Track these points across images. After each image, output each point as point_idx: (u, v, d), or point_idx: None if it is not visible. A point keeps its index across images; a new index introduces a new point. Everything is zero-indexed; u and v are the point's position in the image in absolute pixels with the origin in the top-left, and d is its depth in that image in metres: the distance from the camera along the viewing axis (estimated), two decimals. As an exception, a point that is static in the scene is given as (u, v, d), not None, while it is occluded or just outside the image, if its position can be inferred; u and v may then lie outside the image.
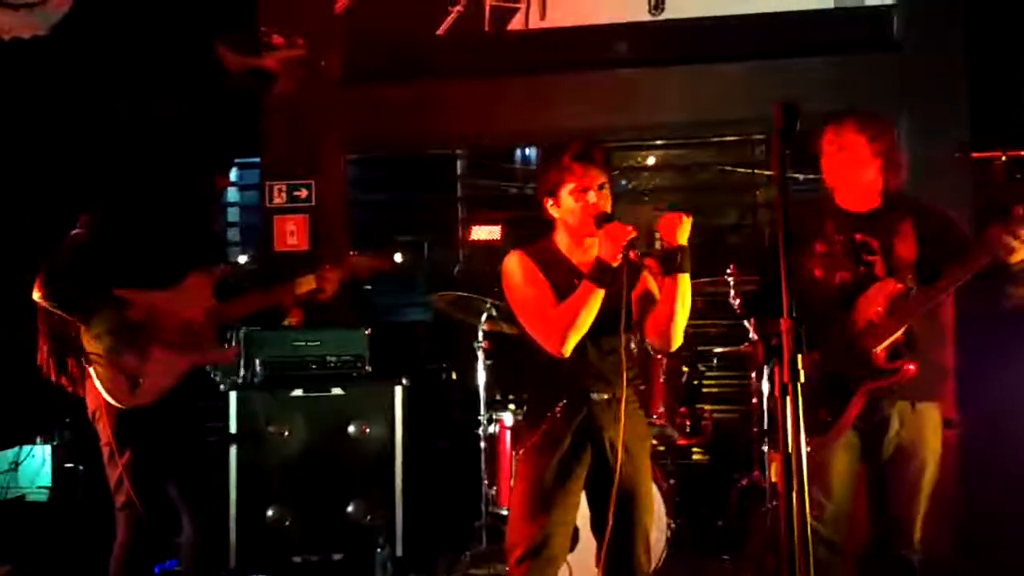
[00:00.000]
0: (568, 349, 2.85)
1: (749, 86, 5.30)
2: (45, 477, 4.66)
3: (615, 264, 2.77)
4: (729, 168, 5.89)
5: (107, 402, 3.15)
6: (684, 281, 2.83)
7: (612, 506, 2.82)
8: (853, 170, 3.17)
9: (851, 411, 3.11)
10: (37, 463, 4.69)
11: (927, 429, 3.17)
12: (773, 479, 3.93)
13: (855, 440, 3.17)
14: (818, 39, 5.34)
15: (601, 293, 2.81)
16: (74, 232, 3.24)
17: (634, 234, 2.77)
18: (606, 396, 2.92)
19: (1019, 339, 3.96)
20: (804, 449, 1.92)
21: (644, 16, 5.52)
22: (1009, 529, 4.10)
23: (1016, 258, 2.92)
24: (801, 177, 5.79)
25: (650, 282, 3.01)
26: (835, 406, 3.12)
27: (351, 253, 3.77)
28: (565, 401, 2.93)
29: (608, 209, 2.93)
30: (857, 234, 3.19)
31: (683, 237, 2.80)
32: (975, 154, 3.23)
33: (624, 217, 2.92)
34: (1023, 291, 3.16)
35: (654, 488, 3.96)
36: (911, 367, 3.07)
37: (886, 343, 3.08)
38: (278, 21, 5.37)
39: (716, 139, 5.97)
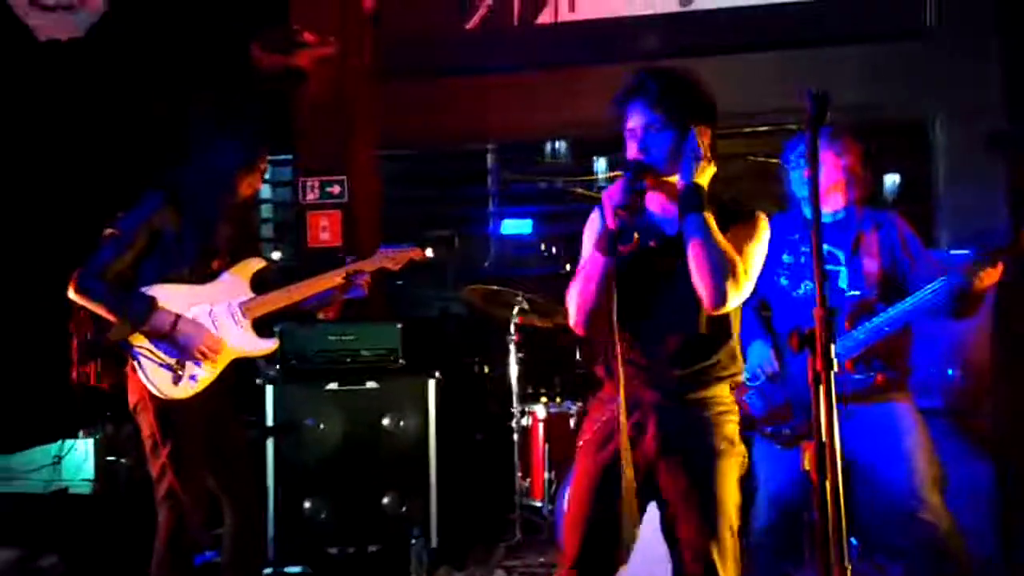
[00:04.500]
0: (579, 326, 2.53)
1: (779, 76, 5.28)
2: (88, 470, 4.75)
3: (610, 227, 2.43)
4: (760, 158, 5.86)
5: (150, 393, 3.21)
6: (696, 222, 2.56)
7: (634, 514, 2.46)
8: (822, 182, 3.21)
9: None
10: (80, 456, 4.78)
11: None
12: (806, 467, 3.90)
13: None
14: (849, 27, 5.30)
15: (604, 261, 2.46)
16: (109, 231, 3.28)
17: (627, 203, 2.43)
18: (669, 401, 2.52)
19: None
20: (837, 437, 1.93)
21: (674, 7, 5.52)
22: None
23: (980, 286, 2.96)
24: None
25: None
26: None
27: (380, 247, 3.76)
28: (620, 399, 2.47)
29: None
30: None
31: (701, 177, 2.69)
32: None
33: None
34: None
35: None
36: (880, 377, 3.14)
37: (854, 355, 3.14)
38: (309, 19, 5.42)
39: (747, 129, 5.95)
